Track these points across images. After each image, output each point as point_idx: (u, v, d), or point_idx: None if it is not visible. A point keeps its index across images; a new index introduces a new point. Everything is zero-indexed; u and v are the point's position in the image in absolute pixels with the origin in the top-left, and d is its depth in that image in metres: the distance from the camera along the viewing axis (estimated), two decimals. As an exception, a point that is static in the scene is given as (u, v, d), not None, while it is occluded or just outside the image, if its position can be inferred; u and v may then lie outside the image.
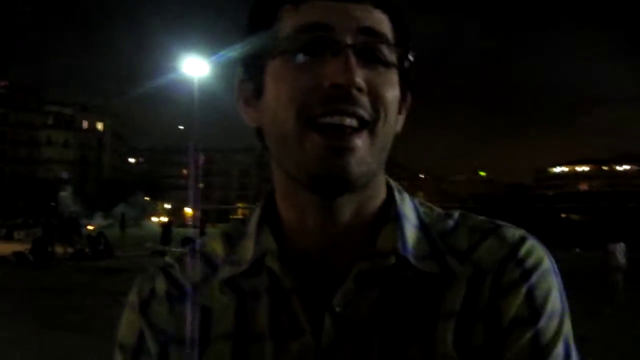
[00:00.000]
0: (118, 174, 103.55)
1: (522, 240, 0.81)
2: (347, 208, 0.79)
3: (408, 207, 0.85)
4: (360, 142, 0.74)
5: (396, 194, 0.85)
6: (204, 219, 47.20)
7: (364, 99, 0.74)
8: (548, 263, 0.81)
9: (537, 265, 0.79)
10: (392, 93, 0.77)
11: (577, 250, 30.52)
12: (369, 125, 0.75)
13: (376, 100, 0.75)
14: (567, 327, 0.80)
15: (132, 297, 0.88)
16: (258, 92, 0.81)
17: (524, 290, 0.78)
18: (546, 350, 0.77)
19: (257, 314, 0.81)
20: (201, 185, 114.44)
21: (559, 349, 0.77)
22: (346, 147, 0.73)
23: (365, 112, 0.74)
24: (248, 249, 0.84)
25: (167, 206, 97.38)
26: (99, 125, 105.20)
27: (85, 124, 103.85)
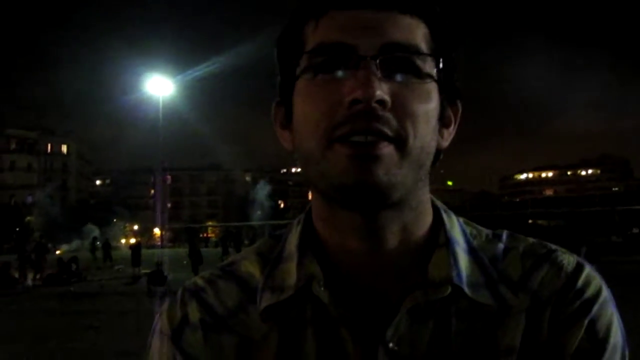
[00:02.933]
0: (84, 196, 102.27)
1: (579, 268, 0.78)
2: (391, 229, 0.75)
3: (457, 230, 0.81)
4: (386, 151, 0.70)
5: (444, 214, 0.82)
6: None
7: (388, 115, 0.69)
8: (606, 292, 0.78)
9: (596, 295, 0.76)
10: (423, 106, 0.72)
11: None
12: (395, 142, 0.70)
13: (403, 115, 0.70)
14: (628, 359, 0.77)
15: (163, 324, 0.81)
16: (288, 114, 0.79)
17: (585, 322, 0.75)
18: None
19: (303, 345, 0.76)
20: (169, 204, 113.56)
21: None
22: (371, 154, 0.69)
23: (389, 129, 0.69)
24: (290, 274, 0.78)
25: (136, 227, 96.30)
26: (64, 148, 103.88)
27: (49, 148, 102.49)
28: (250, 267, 0.83)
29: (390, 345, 0.73)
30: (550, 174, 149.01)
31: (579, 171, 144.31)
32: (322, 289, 0.75)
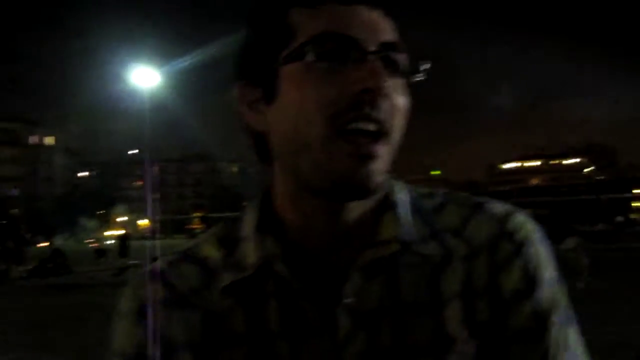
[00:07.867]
0: (70, 188, 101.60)
1: (510, 214, 0.84)
2: (355, 211, 0.80)
3: (402, 192, 0.86)
4: (382, 150, 0.75)
5: (391, 181, 0.86)
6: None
7: (386, 105, 0.74)
8: (537, 233, 0.84)
9: (527, 237, 0.82)
10: (404, 102, 0.78)
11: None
12: (386, 133, 0.75)
13: (393, 108, 0.76)
14: (563, 293, 0.83)
15: (127, 305, 0.84)
16: (268, 97, 0.79)
17: (518, 263, 0.80)
18: (547, 318, 0.80)
19: (267, 316, 0.81)
20: (156, 195, 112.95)
21: (560, 314, 0.81)
22: (371, 154, 0.74)
23: (386, 121, 0.75)
24: (249, 254, 0.82)
25: (123, 219, 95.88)
26: (48, 140, 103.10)
27: (34, 139, 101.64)
28: (209, 250, 0.86)
29: (347, 301, 0.78)
30: (535, 163, 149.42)
31: (564, 160, 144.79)
32: (283, 265, 0.80)
